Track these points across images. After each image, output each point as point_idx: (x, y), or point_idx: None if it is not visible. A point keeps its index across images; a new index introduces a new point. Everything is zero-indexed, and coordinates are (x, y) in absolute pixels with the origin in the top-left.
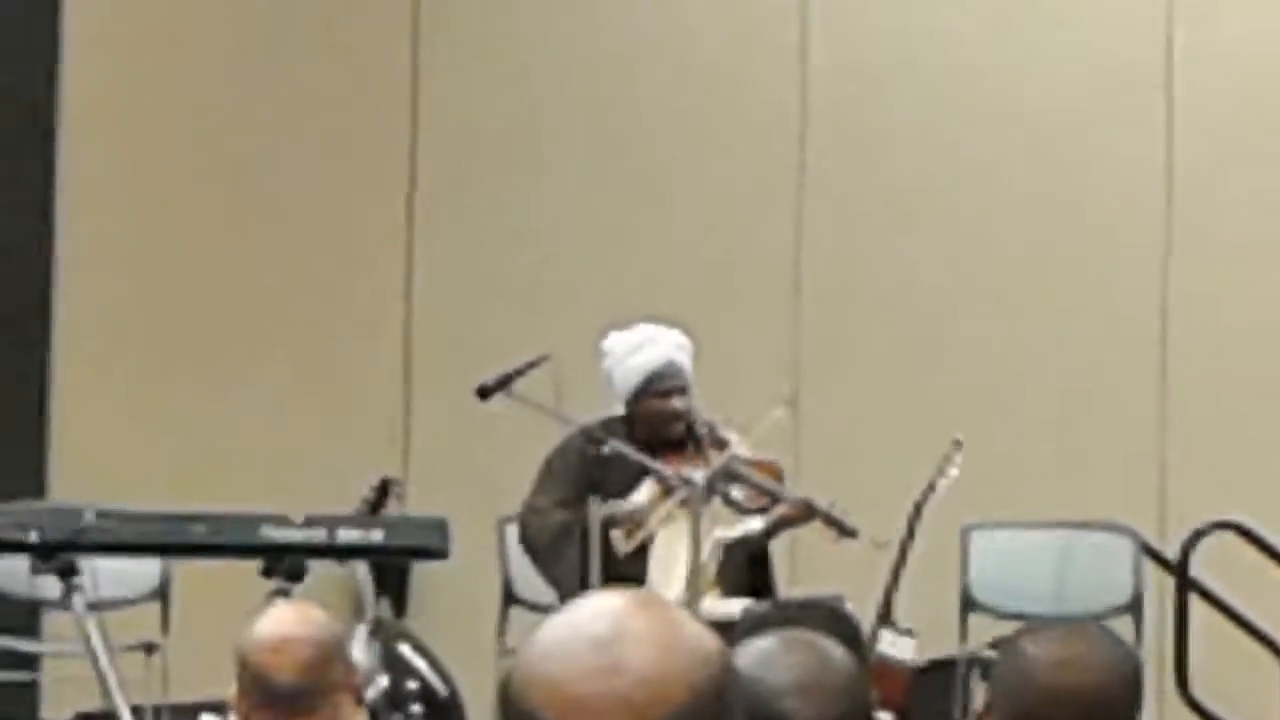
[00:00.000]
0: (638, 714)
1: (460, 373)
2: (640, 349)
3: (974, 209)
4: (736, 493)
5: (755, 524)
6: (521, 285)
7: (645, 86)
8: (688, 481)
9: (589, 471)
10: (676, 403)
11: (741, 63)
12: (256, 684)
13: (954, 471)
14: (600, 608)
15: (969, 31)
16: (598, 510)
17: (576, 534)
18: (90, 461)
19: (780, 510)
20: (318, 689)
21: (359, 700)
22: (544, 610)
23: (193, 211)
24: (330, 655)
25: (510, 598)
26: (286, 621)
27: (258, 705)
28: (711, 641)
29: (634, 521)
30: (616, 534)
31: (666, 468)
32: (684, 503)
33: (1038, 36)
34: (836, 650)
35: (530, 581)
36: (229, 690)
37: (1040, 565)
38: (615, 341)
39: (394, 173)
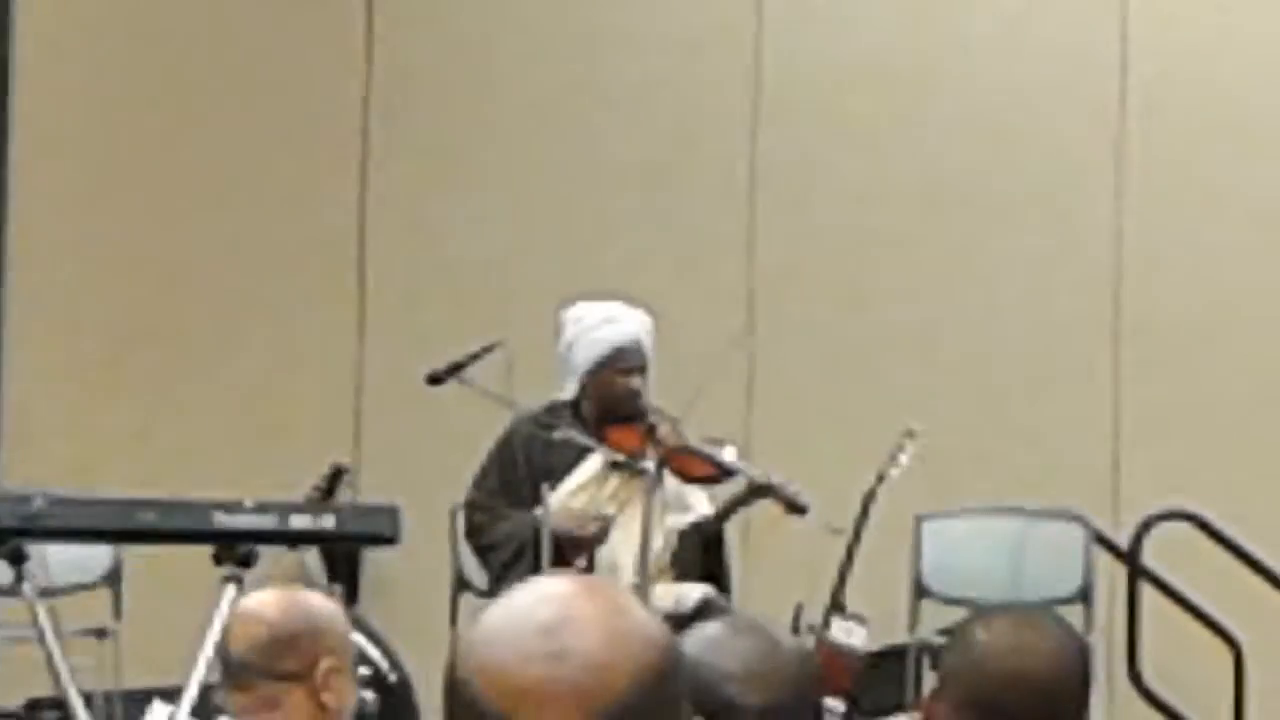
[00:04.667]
0: (584, 700)
1: (412, 359)
2: (609, 323)
3: (928, 195)
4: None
5: (706, 508)
6: (474, 271)
7: (600, 67)
8: (642, 468)
9: (535, 457)
10: (634, 382)
11: (698, 38)
12: (217, 650)
13: (905, 460)
14: (546, 592)
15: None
16: (549, 501)
17: (525, 549)
18: (42, 447)
19: (731, 489)
20: (262, 670)
21: (331, 707)
22: (493, 596)
23: (146, 195)
24: (285, 644)
25: (461, 584)
26: (262, 599)
27: (219, 671)
28: (659, 627)
29: (581, 538)
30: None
31: (619, 452)
32: (634, 477)
33: (993, 11)
34: (784, 636)
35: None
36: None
37: (992, 553)
38: (583, 311)
39: (346, 156)
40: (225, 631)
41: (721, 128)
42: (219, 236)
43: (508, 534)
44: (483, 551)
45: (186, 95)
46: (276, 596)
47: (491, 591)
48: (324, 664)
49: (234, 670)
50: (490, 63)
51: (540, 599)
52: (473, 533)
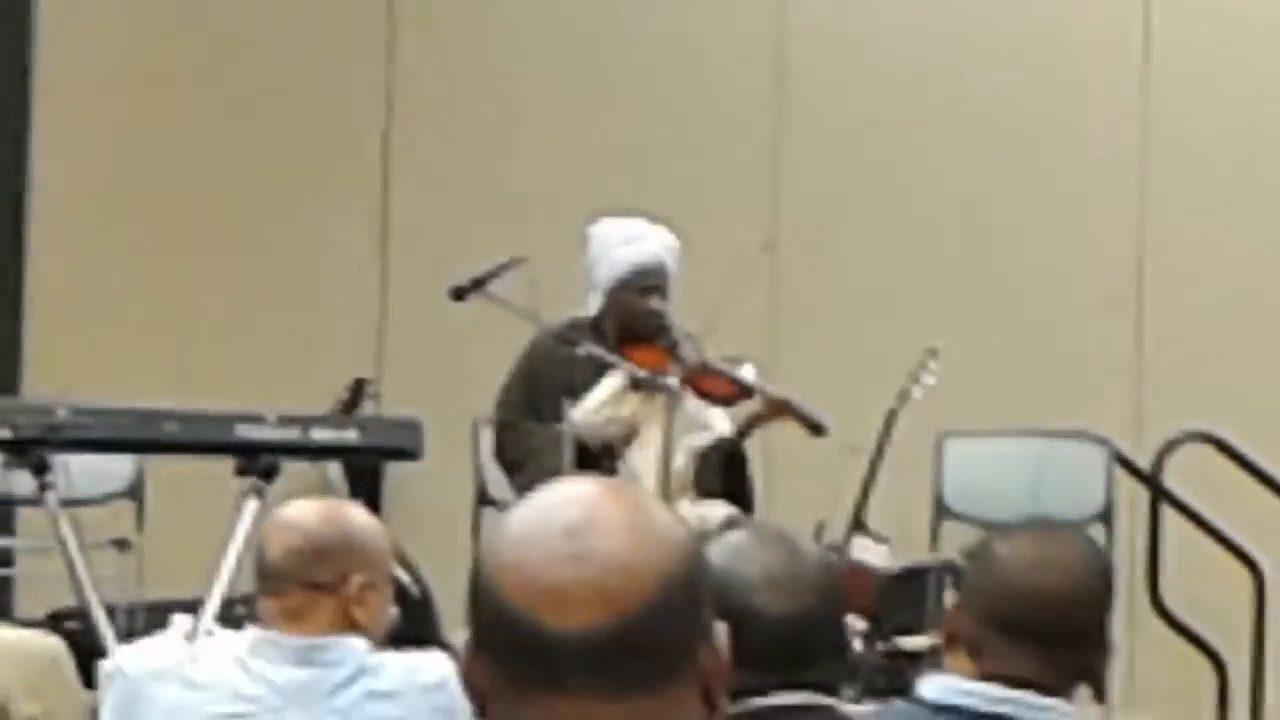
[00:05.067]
0: (609, 601)
1: (435, 274)
2: (632, 241)
3: (951, 118)
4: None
5: (726, 427)
6: (497, 186)
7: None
8: (664, 384)
9: (557, 372)
10: (654, 302)
11: None
12: (254, 556)
13: (929, 379)
14: (571, 494)
15: None
16: (570, 414)
17: (553, 451)
18: (64, 359)
19: (751, 408)
20: (295, 578)
21: (362, 622)
22: None
23: (168, 107)
24: (320, 554)
25: (483, 499)
26: (303, 508)
27: (255, 577)
28: (684, 530)
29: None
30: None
31: (640, 369)
32: (654, 395)
33: None
34: (808, 545)
35: (504, 483)
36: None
37: (1014, 474)
38: (606, 228)
39: (372, 72)
40: (263, 537)
41: (749, 53)
42: (242, 151)
43: (533, 449)
44: (510, 468)
45: (207, 16)
46: (318, 507)
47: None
48: (357, 579)
49: (268, 576)
50: None
51: (565, 500)
52: (500, 450)
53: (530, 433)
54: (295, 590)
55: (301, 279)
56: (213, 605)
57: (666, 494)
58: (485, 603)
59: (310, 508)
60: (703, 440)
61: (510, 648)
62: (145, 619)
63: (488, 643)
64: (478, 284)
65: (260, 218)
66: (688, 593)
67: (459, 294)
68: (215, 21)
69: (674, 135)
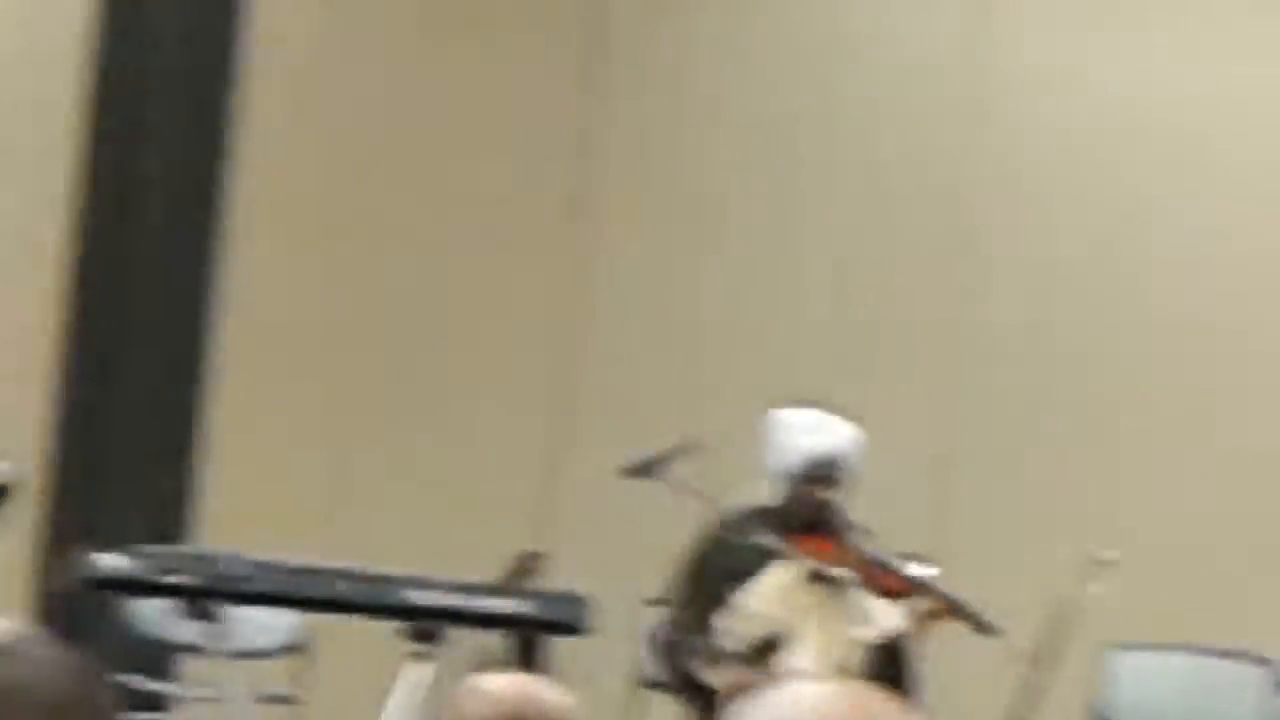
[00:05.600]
0: None
1: (611, 448)
2: (814, 431)
3: (1118, 272)
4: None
5: (892, 622)
6: (682, 363)
7: (813, 157)
8: (836, 575)
9: (727, 558)
10: (830, 494)
11: (907, 150)
12: None
13: (1097, 589)
14: (799, 695)
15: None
16: (735, 603)
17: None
18: (232, 514)
19: (920, 606)
20: None
21: None
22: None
23: (349, 265)
24: None
25: (644, 682)
26: (496, 680)
27: None
28: None
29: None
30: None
31: (811, 560)
32: (821, 587)
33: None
34: None
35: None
36: None
37: (1176, 691)
38: (791, 416)
39: (561, 244)
40: (453, 704)
41: (940, 223)
42: (423, 314)
43: (693, 644)
44: (670, 670)
45: (388, 179)
46: (510, 680)
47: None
48: None
49: None
50: (716, 151)
51: (795, 702)
52: (667, 651)
53: (687, 626)
54: None
55: (472, 443)
56: None
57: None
58: None
59: (502, 681)
60: (870, 634)
61: None
62: None
63: None
64: (650, 466)
65: (437, 383)
66: None
67: (632, 474)
68: (399, 177)
69: (863, 326)
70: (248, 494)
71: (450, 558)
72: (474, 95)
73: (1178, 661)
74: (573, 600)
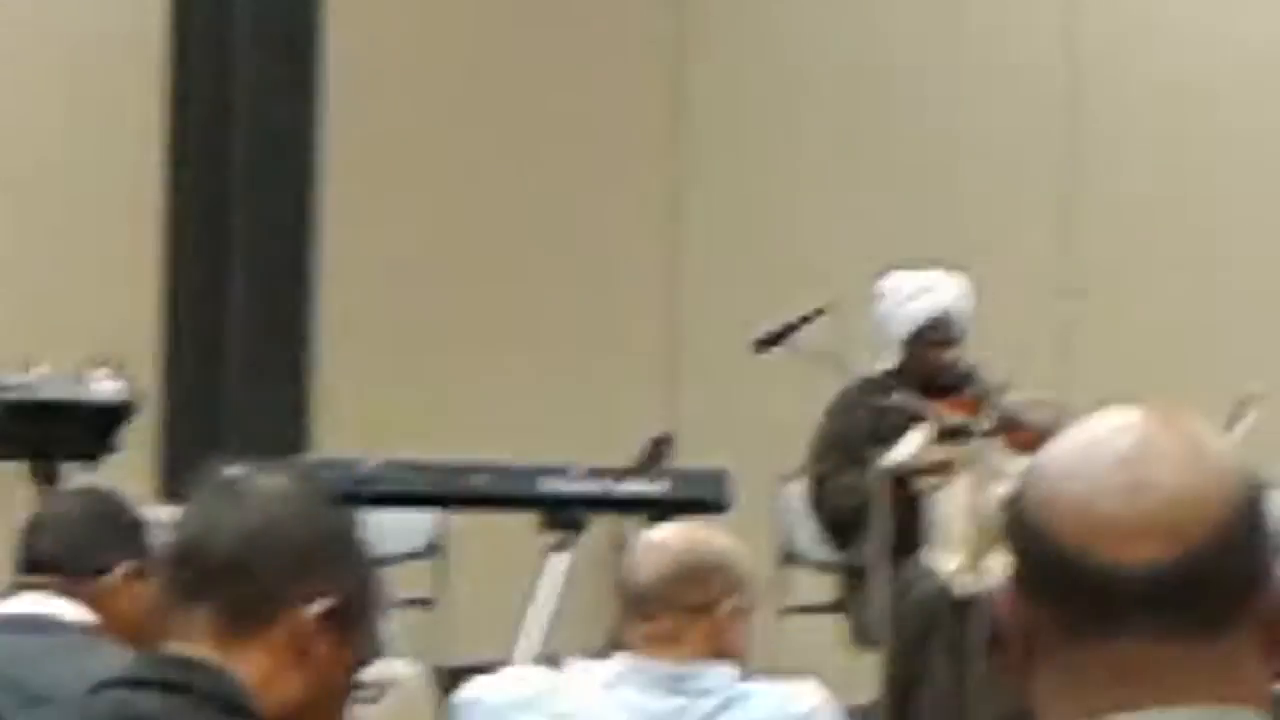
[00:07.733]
0: (1173, 534)
1: (730, 327)
2: (920, 295)
3: (1254, 158)
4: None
5: None
6: (796, 233)
7: (914, 40)
8: (969, 431)
9: (868, 422)
10: (947, 355)
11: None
12: (618, 582)
13: (1244, 427)
14: (1120, 423)
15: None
16: (879, 464)
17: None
18: (351, 412)
19: None
20: (667, 601)
21: (731, 648)
22: (826, 568)
23: (459, 169)
24: (691, 577)
25: (787, 557)
26: (670, 531)
27: (621, 603)
28: (1237, 459)
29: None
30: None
31: (951, 418)
32: (961, 445)
33: None
34: None
35: (816, 537)
36: None
37: None
38: (896, 282)
39: (661, 127)
40: (629, 562)
41: (1039, 101)
42: (533, 205)
43: (857, 500)
44: (833, 520)
45: (492, 92)
46: (688, 530)
47: (837, 558)
48: (728, 602)
49: (637, 600)
50: (810, 32)
51: (1114, 429)
52: (819, 503)
53: (851, 485)
54: (666, 614)
55: (595, 329)
56: (523, 663)
57: (978, 545)
58: (1030, 540)
59: (680, 531)
60: (1009, 490)
61: (1061, 587)
62: (447, 680)
63: (1033, 583)
64: (782, 335)
65: (553, 269)
66: (1250, 525)
67: (764, 344)
68: (499, 109)
69: (963, 178)
70: (362, 396)
71: (577, 447)
72: (569, 33)
73: None
74: (712, 477)
